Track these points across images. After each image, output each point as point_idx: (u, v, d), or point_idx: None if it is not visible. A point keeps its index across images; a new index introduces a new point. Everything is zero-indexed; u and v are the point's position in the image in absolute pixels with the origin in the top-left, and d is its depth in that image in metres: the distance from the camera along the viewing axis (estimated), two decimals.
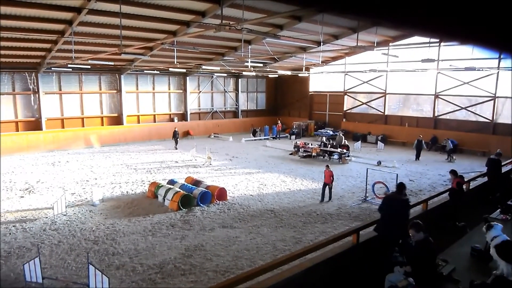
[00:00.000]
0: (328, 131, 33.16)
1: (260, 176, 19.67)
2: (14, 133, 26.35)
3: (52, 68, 25.88)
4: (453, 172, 10.19)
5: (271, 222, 13.09)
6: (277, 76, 36.30)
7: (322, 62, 29.61)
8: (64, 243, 11.17)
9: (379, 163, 22.44)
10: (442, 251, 7.35)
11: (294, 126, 36.04)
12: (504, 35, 1.90)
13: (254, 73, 31.64)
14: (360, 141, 29.74)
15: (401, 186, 7.43)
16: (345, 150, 23.93)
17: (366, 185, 16.02)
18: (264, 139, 33.44)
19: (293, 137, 34.00)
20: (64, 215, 13.54)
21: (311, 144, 26.26)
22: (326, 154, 24.42)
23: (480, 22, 1.79)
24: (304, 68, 29.67)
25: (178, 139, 28.85)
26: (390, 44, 27.86)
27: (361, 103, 34.40)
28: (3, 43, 20.09)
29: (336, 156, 23.79)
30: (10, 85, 26.31)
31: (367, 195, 15.70)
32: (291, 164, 22.81)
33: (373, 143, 30.64)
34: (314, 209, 14.43)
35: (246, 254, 10.40)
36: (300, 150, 25.84)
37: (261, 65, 31.56)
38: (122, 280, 8.92)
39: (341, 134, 27.36)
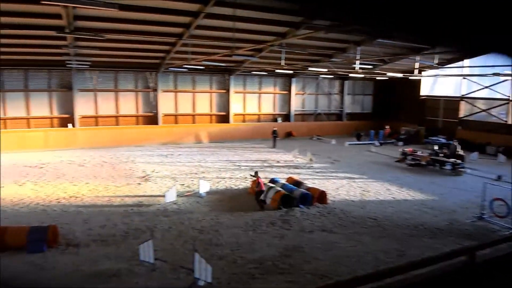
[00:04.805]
0: (441, 139, 30.66)
1: (362, 182, 18.98)
2: (135, 127, 29.45)
3: (170, 68, 28.20)
4: None
5: (373, 230, 12.55)
6: (385, 78, 34.68)
7: (437, 64, 27.52)
8: (173, 229, 12.07)
9: (499, 177, 20.03)
10: None
11: (403, 132, 34.04)
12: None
13: (361, 75, 30.68)
14: (477, 152, 26.93)
15: None
16: (459, 161, 21.90)
17: (483, 201, 14.44)
18: (369, 143, 32.18)
19: (400, 143, 32.12)
20: (175, 203, 14.67)
21: (421, 152, 24.56)
22: (438, 164, 22.63)
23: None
24: (416, 70, 27.90)
25: (277, 139, 29.28)
26: None
27: (480, 110, 31.21)
28: (130, 45, 22.44)
29: (448, 167, 21.90)
30: (133, 83, 29.39)
31: (483, 212, 14.15)
32: (397, 172, 21.61)
33: (493, 155, 27.52)
34: (421, 221, 13.46)
35: (345, 261, 10.12)
36: (408, 157, 24.32)
37: (370, 67, 30.47)
38: (223, 271, 9.31)
39: (455, 143, 25.12)
